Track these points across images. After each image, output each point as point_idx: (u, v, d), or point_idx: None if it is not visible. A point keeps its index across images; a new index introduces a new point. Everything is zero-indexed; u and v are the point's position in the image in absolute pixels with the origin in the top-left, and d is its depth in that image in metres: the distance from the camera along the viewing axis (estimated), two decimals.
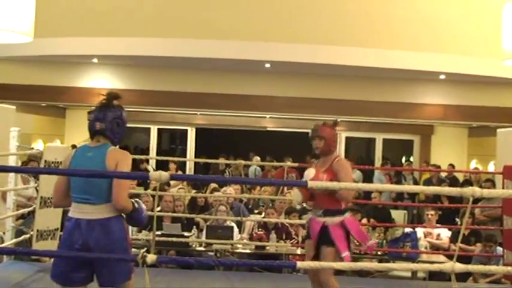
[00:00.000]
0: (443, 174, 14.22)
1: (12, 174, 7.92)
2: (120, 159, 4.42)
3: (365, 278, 8.26)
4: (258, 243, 8.73)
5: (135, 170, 15.57)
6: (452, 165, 14.77)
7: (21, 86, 12.98)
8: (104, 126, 4.51)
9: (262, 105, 13.41)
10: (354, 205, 10.14)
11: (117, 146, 4.65)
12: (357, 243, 5.72)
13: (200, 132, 17.92)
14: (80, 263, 4.32)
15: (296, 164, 9.92)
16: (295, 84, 13.07)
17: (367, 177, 15.89)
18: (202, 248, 8.84)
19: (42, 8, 6.01)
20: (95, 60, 12.67)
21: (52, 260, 4.73)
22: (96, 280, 4.41)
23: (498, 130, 10.24)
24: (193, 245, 8.88)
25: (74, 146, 13.86)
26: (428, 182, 13.56)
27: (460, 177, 14.42)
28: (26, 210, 8.09)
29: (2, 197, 9.78)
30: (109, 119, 4.52)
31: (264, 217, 9.68)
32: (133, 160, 4.65)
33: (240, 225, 9.48)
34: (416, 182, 14.68)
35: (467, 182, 12.85)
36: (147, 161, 15.60)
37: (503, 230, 8.38)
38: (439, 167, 14.15)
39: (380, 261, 8.67)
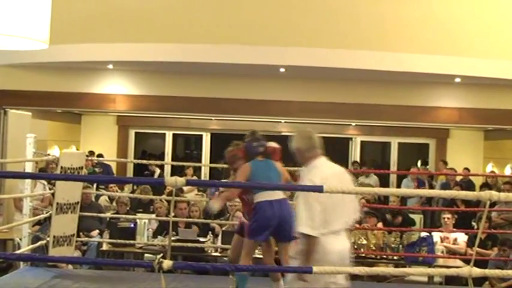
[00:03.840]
0: (458, 178, 14.14)
1: (28, 181, 7.96)
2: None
3: (381, 283, 8.23)
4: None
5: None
6: (467, 169, 14.67)
7: (36, 92, 13.03)
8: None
9: (277, 110, 13.38)
10: (369, 209, 10.12)
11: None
12: None
13: (215, 138, 17.93)
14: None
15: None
16: (310, 89, 13.04)
17: (383, 181, 15.85)
18: (217, 254, 8.84)
19: (58, 15, 6.03)
20: (110, 66, 12.70)
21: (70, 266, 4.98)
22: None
23: None
24: (209, 251, 8.88)
25: (91, 152, 13.98)
26: (444, 186, 13.49)
27: (476, 180, 14.35)
28: (42, 216, 8.12)
29: (16, 206, 9.87)
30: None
31: None
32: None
33: None
34: (432, 186, 14.61)
35: (486, 186, 12.76)
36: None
37: None
38: (469, 170, 14.11)
39: (396, 265, 8.64)
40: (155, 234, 9.36)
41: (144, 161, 12.67)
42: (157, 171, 15.66)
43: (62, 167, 7.32)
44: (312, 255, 4.85)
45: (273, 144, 6.84)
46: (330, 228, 4.93)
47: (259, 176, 6.41)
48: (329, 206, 4.88)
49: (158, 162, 14.93)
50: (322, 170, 5.07)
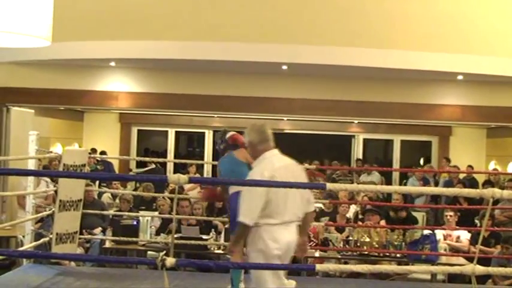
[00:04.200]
0: (461, 176, 14.11)
1: (31, 178, 7.96)
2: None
3: (384, 280, 8.22)
4: None
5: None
6: (471, 166, 14.66)
7: (39, 89, 13.05)
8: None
9: (280, 107, 13.38)
10: (372, 207, 10.11)
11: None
12: None
13: None
14: None
15: (314, 167, 9.90)
16: (313, 86, 13.04)
17: (386, 179, 15.83)
18: (220, 251, 8.84)
19: (60, 12, 6.03)
20: (113, 63, 12.71)
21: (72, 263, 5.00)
22: None
23: None
24: (212, 248, 8.88)
25: (93, 150, 13.98)
26: (447, 183, 13.47)
27: (479, 178, 14.33)
28: (45, 213, 8.13)
29: (19, 203, 9.87)
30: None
31: None
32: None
33: None
34: (437, 184, 14.59)
35: (488, 183, 12.72)
36: None
37: None
38: (473, 167, 14.08)
39: (399, 263, 8.62)
40: (158, 232, 9.36)
41: (147, 159, 12.66)
42: (151, 166, 15.60)
43: (64, 165, 7.33)
44: (242, 242, 5.10)
45: (230, 134, 6.92)
46: (280, 219, 5.03)
47: (223, 172, 6.70)
48: (278, 197, 4.98)
49: (161, 160, 14.93)
50: (272, 162, 5.16)
